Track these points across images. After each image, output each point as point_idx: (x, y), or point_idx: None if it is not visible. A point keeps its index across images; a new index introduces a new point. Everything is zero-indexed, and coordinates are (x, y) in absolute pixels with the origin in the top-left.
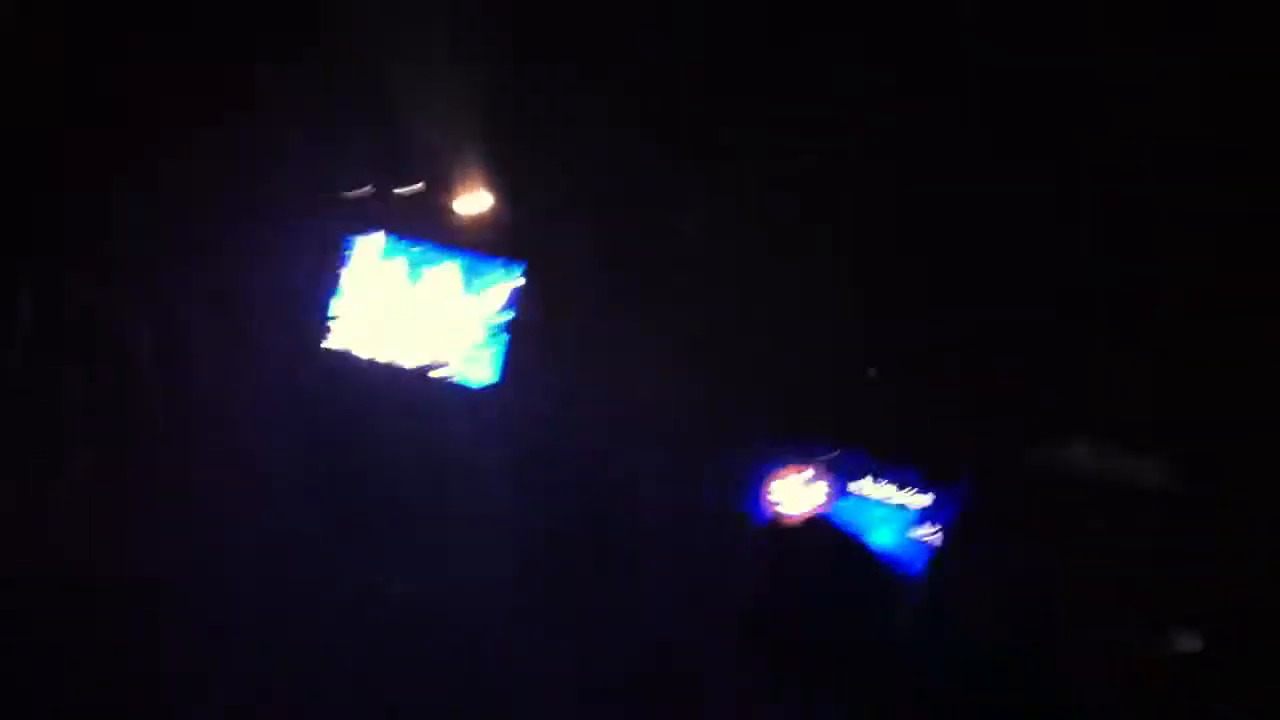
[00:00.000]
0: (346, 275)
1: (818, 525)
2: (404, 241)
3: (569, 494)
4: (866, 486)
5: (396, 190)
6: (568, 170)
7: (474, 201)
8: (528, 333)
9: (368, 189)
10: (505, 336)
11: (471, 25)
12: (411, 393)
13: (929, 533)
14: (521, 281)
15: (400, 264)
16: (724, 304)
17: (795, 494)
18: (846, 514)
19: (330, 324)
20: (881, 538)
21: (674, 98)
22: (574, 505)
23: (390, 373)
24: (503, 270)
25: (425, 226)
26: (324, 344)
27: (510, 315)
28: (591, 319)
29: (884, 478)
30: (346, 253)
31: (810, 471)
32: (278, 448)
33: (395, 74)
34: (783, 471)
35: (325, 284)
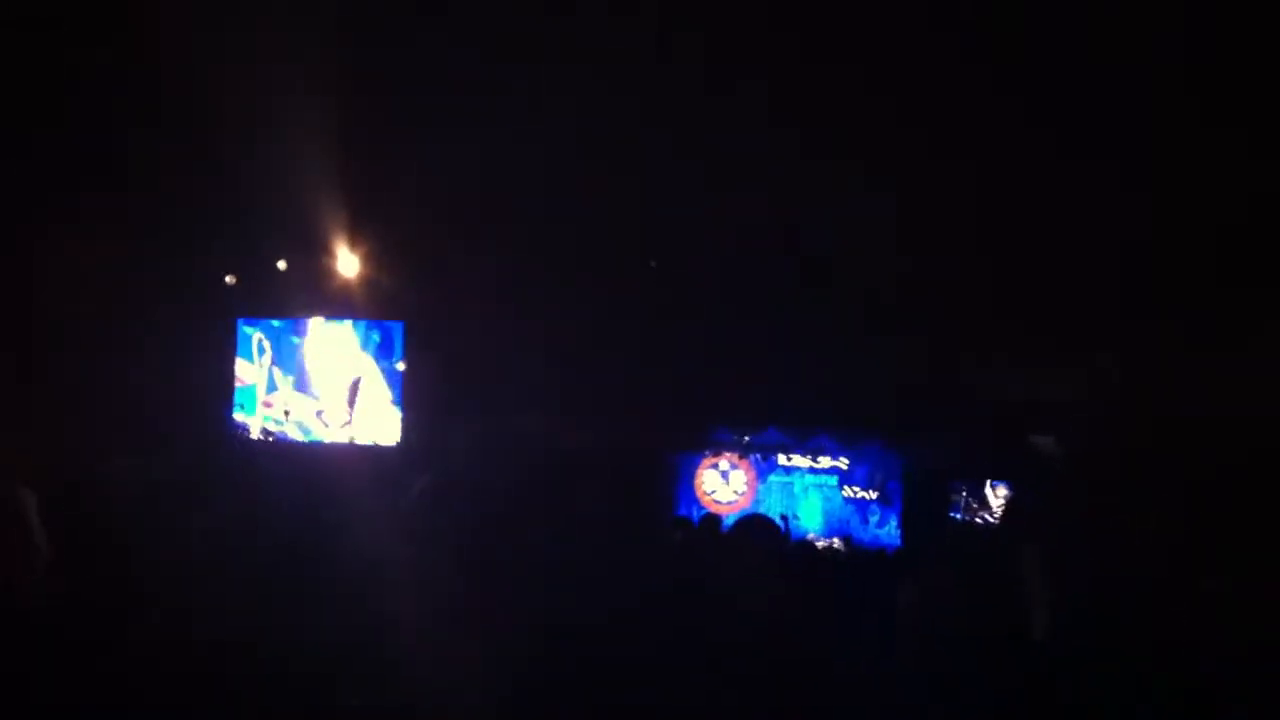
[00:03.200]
0: (242, 362)
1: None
2: (280, 321)
3: (511, 524)
4: (785, 461)
5: (276, 269)
6: (434, 225)
7: (343, 269)
8: (420, 387)
9: (231, 277)
10: (398, 394)
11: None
12: (330, 463)
13: (853, 492)
14: (400, 339)
15: (285, 342)
16: (606, 316)
17: (721, 483)
18: (773, 491)
19: (238, 410)
20: (811, 505)
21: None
22: (508, 532)
23: (305, 448)
24: (380, 332)
25: (299, 302)
26: (237, 430)
27: (399, 373)
28: (483, 359)
29: (799, 450)
30: (235, 340)
31: (728, 459)
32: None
33: (243, 157)
34: (705, 462)
35: (223, 373)
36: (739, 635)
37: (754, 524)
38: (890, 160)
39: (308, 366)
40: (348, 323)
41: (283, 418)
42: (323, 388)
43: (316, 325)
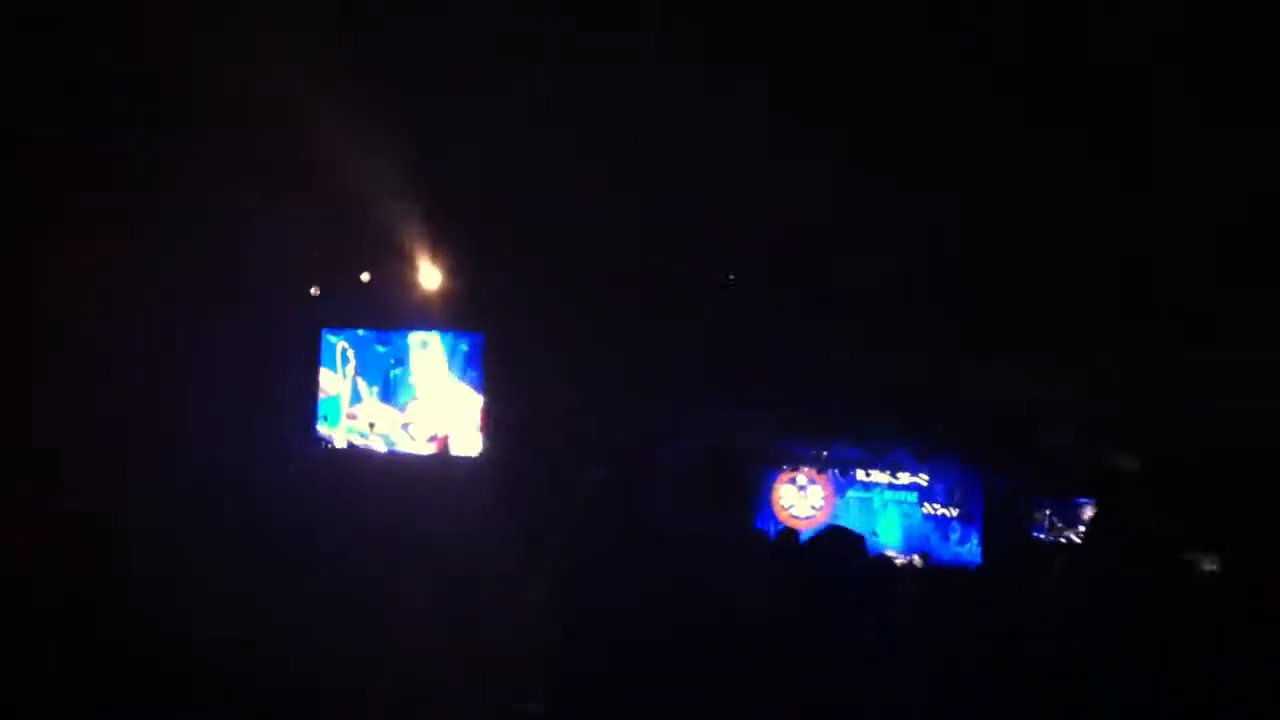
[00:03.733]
0: (327, 373)
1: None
2: (368, 332)
3: (594, 535)
4: (864, 477)
5: (356, 281)
6: (514, 238)
7: (425, 281)
8: (501, 397)
9: (317, 288)
10: (480, 405)
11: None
12: (418, 474)
13: (934, 509)
14: (481, 350)
15: (369, 352)
16: (689, 325)
17: (798, 497)
18: (851, 507)
19: (322, 422)
20: (890, 522)
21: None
22: (597, 542)
23: (393, 460)
24: (464, 343)
25: (382, 314)
26: (325, 443)
27: (481, 384)
28: (564, 369)
29: (877, 465)
30: (321, 352)
31: (805, 473)
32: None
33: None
34: (782, 477)
35: (309, 384)
36: (811, 646)
37: (836, 536)
38: (947, 166)
39: (394, 377)
40: (434, 333)
41: (367, 430)
42: (410, 400)
43: (405, 336)
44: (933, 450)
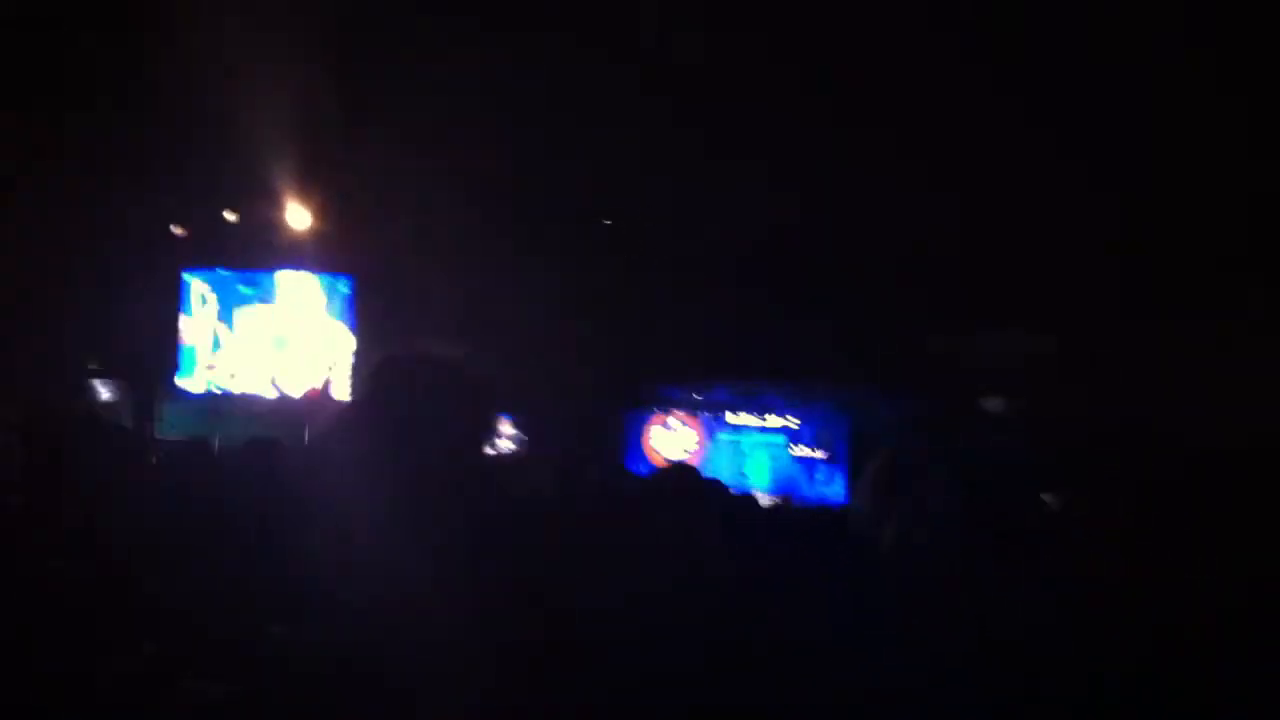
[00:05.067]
0: (189, 317)
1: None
2: (233, 272)
3: (461, 481)
4: (733, 419)
5: (221, 219)
6: (383, 178)
7: (294, 220)
8: (373, 342)
9: (180, 227)
10: (349, 349)
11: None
12: (295, 418)
13: (801, 451)
14: (350, 293)
15: (232, 293)
16: (564, 275)
17: (670, 440)
18: (722, 450)
19: (190, 361)
20: (759, 463)
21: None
22: (464, 487)
23: (266, 403)
24: (333, 284)
25: (250, 253)
26: (190, 387)
27: (348, 327)
28: (435, 314)
29: (747, 408)
30: (184, 293)
31: (676, 416)
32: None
33: (199, 100)
34: (654, 420)
35: (171, 327)
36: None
37: (676, 474)
38: (855, 128)
39: (263, 322)
40: (308, 273)
41: (228, 381)
42: (281, 347)
43: (275, 276)
44: (800, 393)
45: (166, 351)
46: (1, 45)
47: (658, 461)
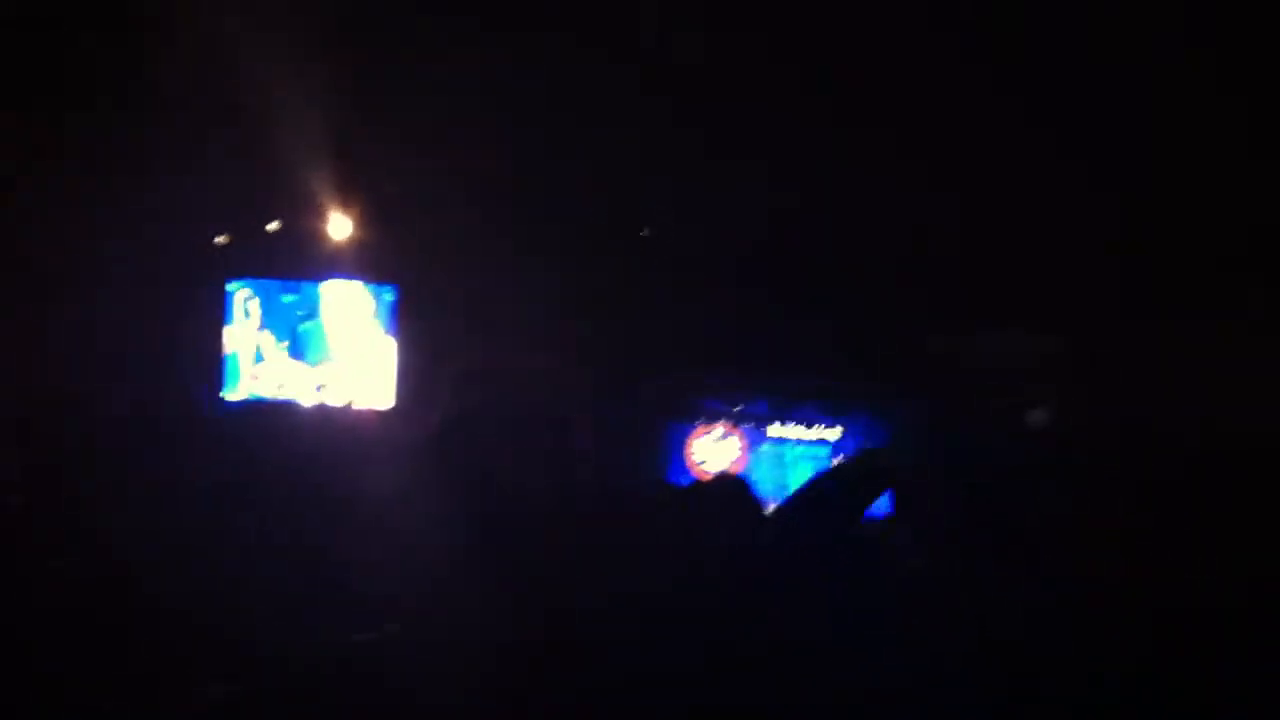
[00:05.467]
0: (234, 326)
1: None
2: (274, 282)
3: (498, 488)
4: (777, 431)
5: (263, 230)
6: (425, 185)
7: (336, 230)
8: (414, 350)
9: (224, 237)
10: (393, 358)
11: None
12: (324, 428)
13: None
14: (395, 302)
15: (275, 302)
16: (605, 283)
17: (712, 451)
18: (764, 461)
19: (234, 371)
20: (801, 475)
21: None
22: (503, 496)
23: (301, 412)
24: (377, 294)
25: (292, 262)
26: (232, 396)
27: (392, 336)
28: (473, 325)
29: (791, 419)
30: (228, 303)
31: (721, 427)
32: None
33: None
34: (696, 431)
35: (214, 337)
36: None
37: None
38: (888, 129)
39: (305, 332)
40: (356, 282)
41: (274, 391)
42: (324, 358)
43: (319, 286)
44: (841, 405)
45: (210, 361)
46: (45, 47)
47: (698, 473)
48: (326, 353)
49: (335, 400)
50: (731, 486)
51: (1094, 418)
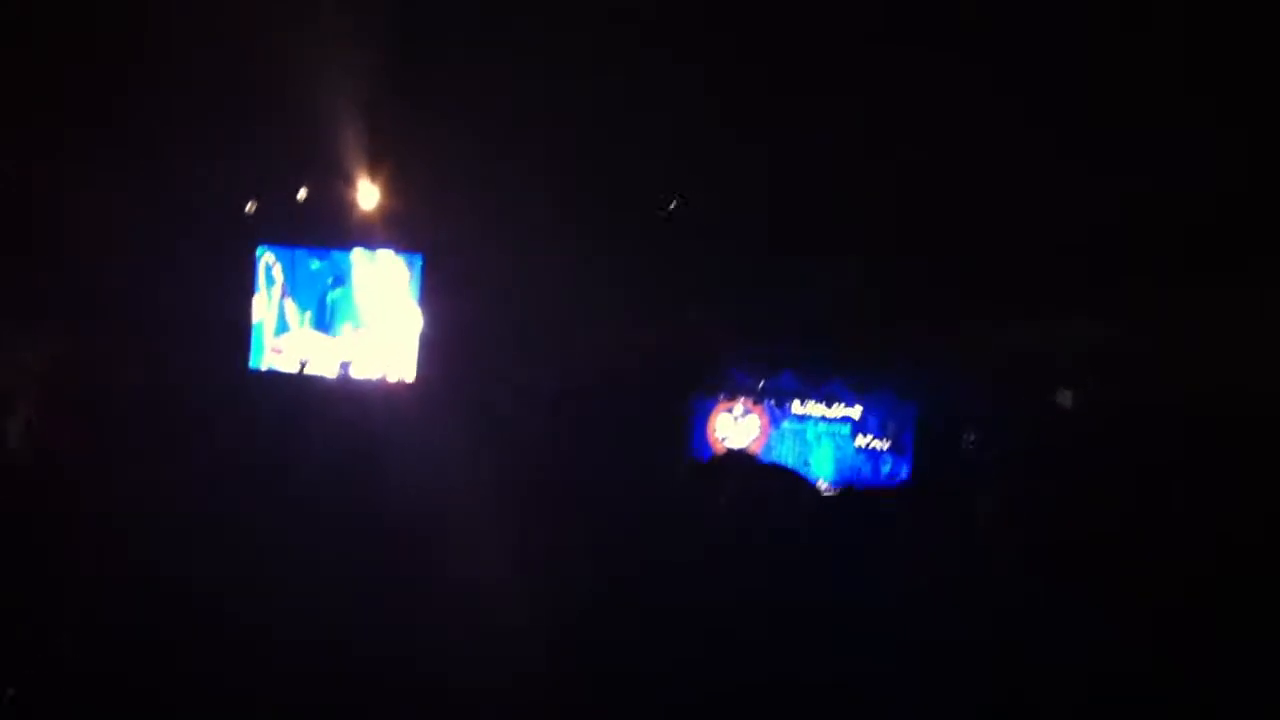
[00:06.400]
0: (260, 293)
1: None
2: (302, 249)
3: (522, 463)
4: (798, 408)
5: (296, 197)
6: (454, 156)
7: (363, 198)
8: (438, 323)
9: (253, 203)
10: (418, 330)
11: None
12: (348, 397)
13: (866, 441)
14: (420, 272)
15: (301, 269)
16: (628, 259)
17: (735, 428)
18: (785, 439)
19: (258, 342)
20: (823, 453)
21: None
22: (528, 471)
23: (325, 382)
24: (403, 261)
25: (320, 230)
26: (258, 364)
27: (417, 307)
28: (497, 297)
29: (812, 397)
30: (255, 270)
31: (742, 404)
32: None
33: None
34: (718, 408)
35: (242, 304)
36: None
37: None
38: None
39: (333, 301)
40: (384, 250)
41: (296, 369)
42: (352, 328)
43: (350, 254)
44: (865, 382)
45: (238, 330)
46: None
47: (720, 449)
48: (354, 322)
49: (363, 374)
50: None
51: (1118, 403)
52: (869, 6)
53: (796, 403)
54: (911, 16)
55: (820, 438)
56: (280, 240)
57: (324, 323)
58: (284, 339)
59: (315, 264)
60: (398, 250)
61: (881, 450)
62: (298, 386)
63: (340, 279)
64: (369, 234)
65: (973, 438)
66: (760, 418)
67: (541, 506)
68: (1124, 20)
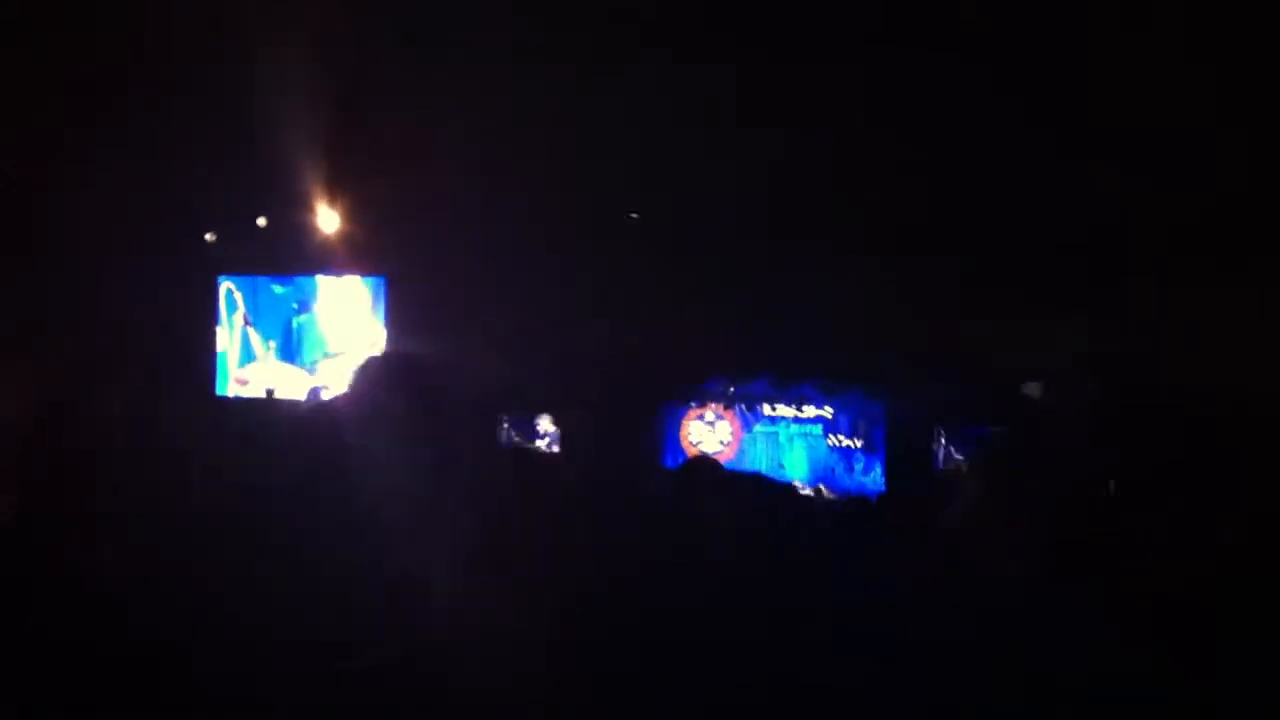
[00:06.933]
0: (222, 321)
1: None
2: (264, 277)
3: (499, 474)
4: (770, 411)
5: (255, 225)
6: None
7: (323, 225)
8: (405, 340)
9: (211, 235)
10: (382, 350)
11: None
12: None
13: (838, 441)
14: (382, 294)
15: (264, 296)
16: (592, 268)
17: (707, 433)
18: (758, 442)
19: (223, 372)
20: (796, 454)
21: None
22: (503, 480)
23: (292, 405)
24: (364, 286)
25: (278, 258)
26: (222, 392)
27: (381, 329)
28: (466, 313)
29: (783, 399)
30: (217, 299)
31: (713, 410)
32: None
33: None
34: (690, 414)
35: (205, 332)
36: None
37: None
38: (883, 107)
39: (299, 327)
40: (354, 276)
41: (264, 398)
42: (320, 356)
43: (314, 280)
44: (835, 384)
45: (200, 359)
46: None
47: (693, 455)
48: (321, 349)
49: (327, 394)
50: (708, 469)
51: (1117, 404)
52: (869, 6)
53: (767, 406)
54: (911, 16)
55: (793, 439)
56: (241, 269)
57: (289, 350)
58: (249, 370)
59: (279, 289)
60: (362, 274)
61: (854, 449)
62: (265, 409)
63: (305, 305)
64: (331, 259)
65: (943, 436)
66: (732, 423)
67: (517, 515)
68: (1124, 20)
